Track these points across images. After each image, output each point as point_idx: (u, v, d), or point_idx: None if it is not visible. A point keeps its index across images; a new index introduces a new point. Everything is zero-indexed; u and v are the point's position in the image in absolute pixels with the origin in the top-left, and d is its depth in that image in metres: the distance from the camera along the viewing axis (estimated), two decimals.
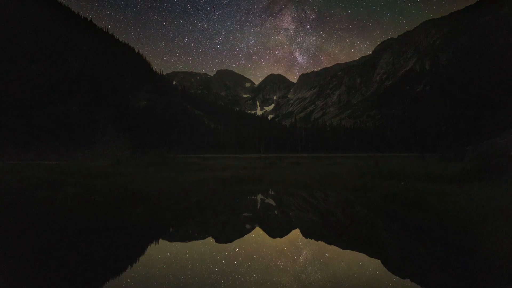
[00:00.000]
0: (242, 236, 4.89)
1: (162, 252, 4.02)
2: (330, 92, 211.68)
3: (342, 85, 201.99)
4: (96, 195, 8.51)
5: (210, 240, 4.69)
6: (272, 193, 9.87)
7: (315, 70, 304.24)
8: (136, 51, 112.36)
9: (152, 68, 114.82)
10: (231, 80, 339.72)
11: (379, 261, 3.62)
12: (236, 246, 4.35)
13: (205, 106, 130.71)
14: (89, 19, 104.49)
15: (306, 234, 4.95)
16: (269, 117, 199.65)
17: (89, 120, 64.77)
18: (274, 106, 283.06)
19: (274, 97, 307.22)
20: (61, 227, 5.24)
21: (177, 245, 4.40)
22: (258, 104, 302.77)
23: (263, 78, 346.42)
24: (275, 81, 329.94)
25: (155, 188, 10.39)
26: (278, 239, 4.74)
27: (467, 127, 66.62)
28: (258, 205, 7.67)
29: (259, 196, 9.18)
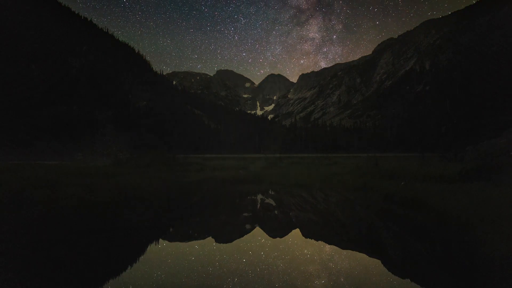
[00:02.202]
0: (242, 236, 4.89)
1: (162, 252, 4.02)
2: (330, 92, 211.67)
3: (342, 85, 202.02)
4: (96, 195, 8.51)
5: (210, 240, 4.69)
6: (272, 193, 9.87)
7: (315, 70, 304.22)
8: (136, 51, 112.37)
9: (152, 68, 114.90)
10: (231, 80, 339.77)
11: (379, 261, 3.62)
12: (236, 246, 4.35)
13: (205, 106, 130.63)
14: (89, 19, 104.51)
15: (306, 234, 4.94)
16: (269, 117, 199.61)
17: (89, 120, 64.75)
18: (274, 106, 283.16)
19: (274, 97, 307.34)
20: (61, 227, 5.24)
21: (177, 245, 4.40)
22: (258, 104, 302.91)
23: (263, 78, 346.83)
24: (275, 81, 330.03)
25: (155, 188, 10.39)
26: (278, 239, 4.74)
27: (467, 127, 66.59)
28: (258, 205, 7.67)
29: (259, 196, 9.18)
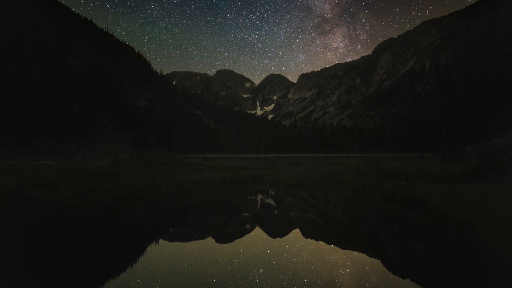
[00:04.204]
0: (242, 236, 4.89)
1: (162, 252, 4.02)
2: (330, 92, 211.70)
3: (342, 85, 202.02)
4: (96, 195, 8.51)
5: (210, 240, 4.69)
6: (272, 193, 9.87)
7: (315, 71, 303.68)
8: (137, 51, 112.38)
9: (152, 68, 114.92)
10: (231, 80, 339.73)
11: (379, 261, 3.62)
12: (236, 246, 4.35)
13: (205, 106, 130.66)
14: (89, 19, 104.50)
15: (306, 234, 4.95)
16: (269, 117, 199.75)
17: (89, 120, 64.78)
18: (274, 106, 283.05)
19: (274, 97, 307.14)
20: (61, 227, 5.24)
21: (177, 245, 4.40)
22: (258, 104, 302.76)
23: (263, 78, 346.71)
24: (275, 81, 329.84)
25: (155, 188, 10.39)
26: (278, 239, 4.74)
27: (467, 127, 66.57)
28: (258, 205, 7.67)
29: (259, 196, 9.18)
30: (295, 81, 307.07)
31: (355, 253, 3.96)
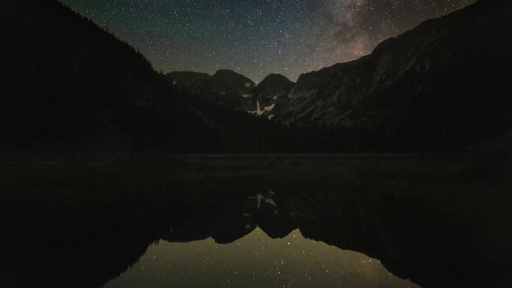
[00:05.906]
0: (242, 236, 4.89)
1: (162, 252, 4.02)
2: (330, 92, 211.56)
3: (342, 85, 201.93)
4: (96, 195, 8.51)
5: (210, 240, 4.69)
6: (272, 193, 9.87)
7: (316, 70, 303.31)
8: (137, 51, 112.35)
9: (152, 68, 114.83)
10: (231, 80, 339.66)
11: (379, 261, 3.62)
12: (236, 246, 4.35)
13: (205, 106, 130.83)
14: (89, 19, 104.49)
15: (306, 234, 4.95)
16: (269, 117, 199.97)
17: (89, 120, 64.79)
18: (274, 106, 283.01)
19: (274, 97, 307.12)
20: (61, 227, 5.24)
21: (177, 245, 4.40)
22: (258, 104, 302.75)
23: (263, 78, 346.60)
24: (275, 81, 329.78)
25: (155, 188, 10.39)
26: (278, 239, 4.74)
27: (467, 127, 66.53)
28: (258, 205, 7.67)
29: (259, 196, 9.18)
30: (295, 81, 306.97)
31: (355, 253, 3.96)
